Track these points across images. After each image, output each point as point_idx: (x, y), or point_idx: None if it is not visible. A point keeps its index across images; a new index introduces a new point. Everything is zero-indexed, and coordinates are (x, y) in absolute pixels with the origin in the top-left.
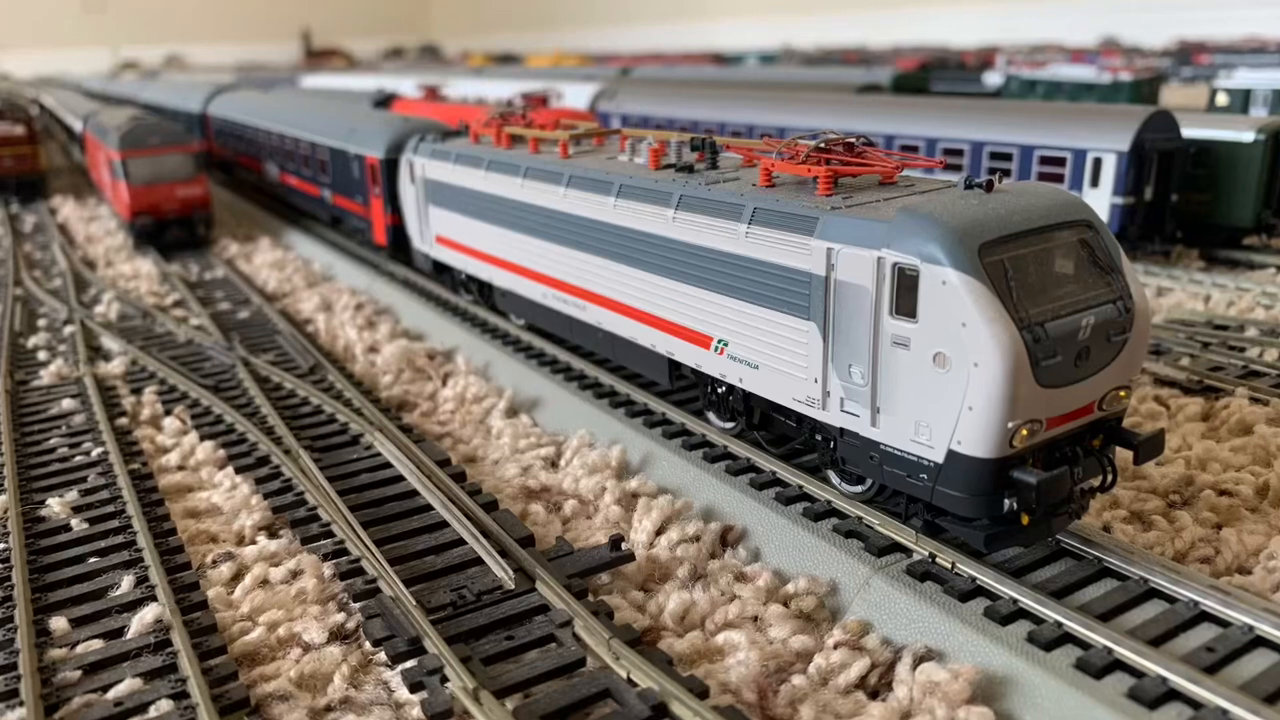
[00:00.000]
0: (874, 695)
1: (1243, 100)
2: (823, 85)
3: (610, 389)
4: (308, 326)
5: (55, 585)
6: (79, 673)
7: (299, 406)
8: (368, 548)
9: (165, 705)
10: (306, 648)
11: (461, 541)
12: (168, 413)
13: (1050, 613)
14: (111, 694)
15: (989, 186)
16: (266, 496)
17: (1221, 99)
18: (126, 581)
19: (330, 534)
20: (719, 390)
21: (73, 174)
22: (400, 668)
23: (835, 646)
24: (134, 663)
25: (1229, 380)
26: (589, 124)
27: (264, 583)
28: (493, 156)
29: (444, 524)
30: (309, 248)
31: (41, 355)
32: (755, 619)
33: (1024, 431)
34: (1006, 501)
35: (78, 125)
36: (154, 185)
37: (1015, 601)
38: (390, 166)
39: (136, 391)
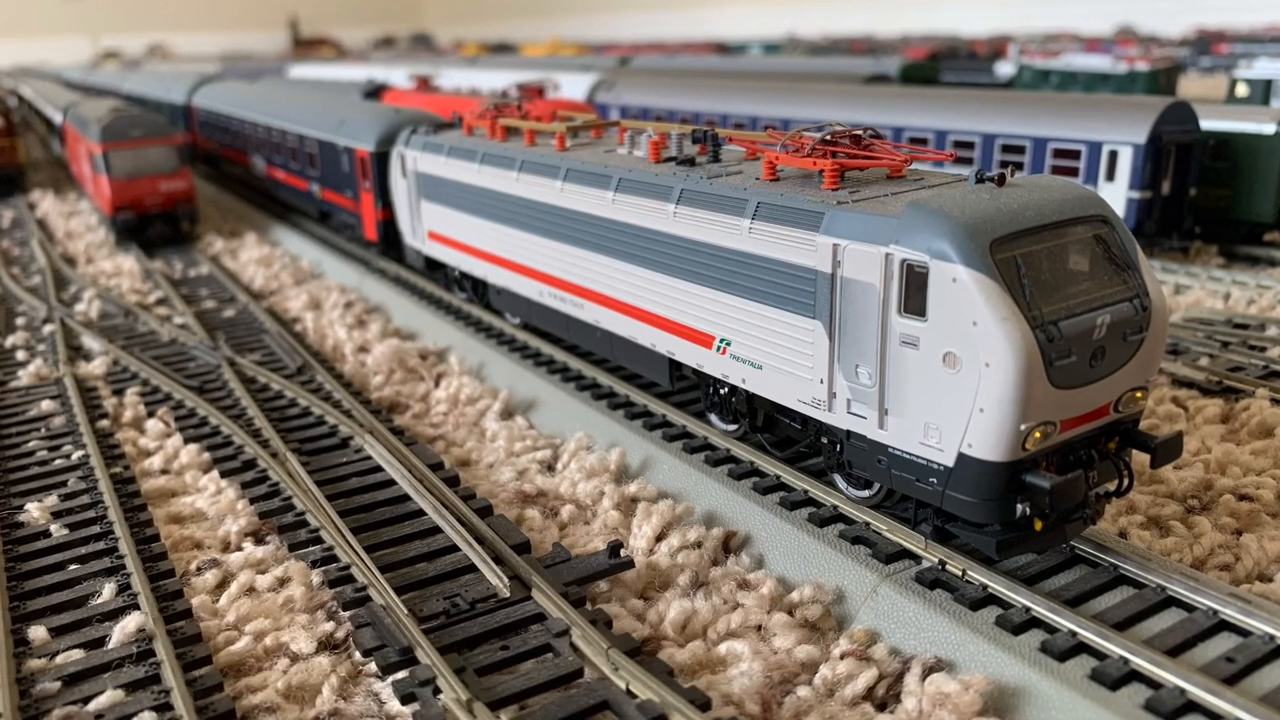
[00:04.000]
0: (882, 707)
1: (1263, 91)
2: (828, 75)
3: (609, 390)
4: (295, 325)
5: (34, 593)
6: (59, 684)
7: (287, 408)
8: (358, 554)
9: (148, 718)
10: (294, 658)
11: (455, 548)
12: (151, 414)
13: (1064, 622)
14: (92, 706)
15: (1001, 180)
16: (253, 501)
17: (1241, 90)
18: (108, 589)
19: (319, 540)
20: (721, 391)
21: (52, 167)
22: (391, 679)
23: (842, 657)
24: (115, 674)
25: (1249, 381)
26: (586, 116)
27: (250, 590)
28: (487, 149)
29: (436, 530)
30: (297, 244)
31: (20, 355)
32: (759, 628)
33: (1037, 434)
34: (1019, 506)
35: (57, 117)
36: (136, 179)
37: (1028, 610)
38: (381, 160)
39: (118, 393)
